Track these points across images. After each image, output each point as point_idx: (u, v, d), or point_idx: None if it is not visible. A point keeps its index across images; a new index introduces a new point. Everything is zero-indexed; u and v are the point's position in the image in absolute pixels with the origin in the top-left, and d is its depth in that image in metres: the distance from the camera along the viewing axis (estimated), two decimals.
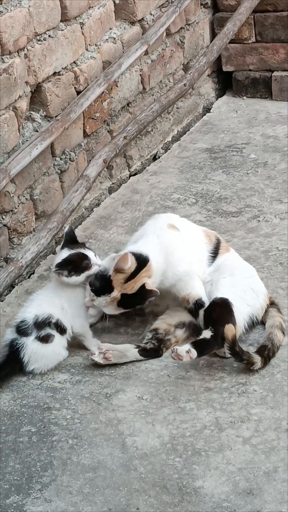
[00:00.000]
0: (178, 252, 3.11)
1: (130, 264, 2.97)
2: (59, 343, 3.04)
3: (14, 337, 3.01)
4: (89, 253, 3.07)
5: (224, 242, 3.35)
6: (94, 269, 3.04)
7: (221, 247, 3.28)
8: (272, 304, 3.21)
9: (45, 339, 3.01)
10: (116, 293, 2.99)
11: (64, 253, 3.08)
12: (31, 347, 2.99)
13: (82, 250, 3.08)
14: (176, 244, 3.12)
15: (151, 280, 3.02)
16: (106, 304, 3.01)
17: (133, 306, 3.05)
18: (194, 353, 2.87)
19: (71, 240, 3.13)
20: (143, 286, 2.99)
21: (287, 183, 4.23)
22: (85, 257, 3.06)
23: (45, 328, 3.01)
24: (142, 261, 3.01)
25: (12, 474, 2.61)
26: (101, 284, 3.00)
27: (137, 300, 3.01)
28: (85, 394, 2.93)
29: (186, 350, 2.87)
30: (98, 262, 3.07)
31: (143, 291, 2.99)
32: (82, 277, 3.05)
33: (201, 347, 2.91)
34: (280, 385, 2.90)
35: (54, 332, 3.02)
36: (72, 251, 3.08)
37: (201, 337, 2.95)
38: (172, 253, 3.09)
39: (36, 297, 3.12)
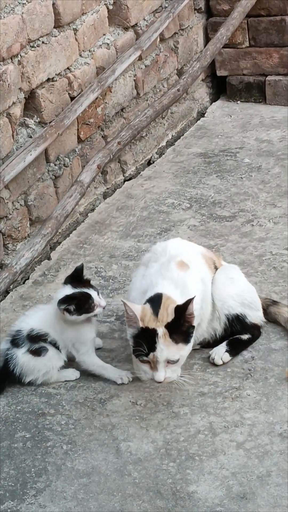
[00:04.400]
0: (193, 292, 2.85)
1: (141, 310, 2.75)
2: (53, 356, 2.97)
3: (8, 347, 2.99)
4: (93, 293, 2.94)
5: (218, 261, 3.17)
6: (97, 311, 2.94)
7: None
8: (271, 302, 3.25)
9: (37, 353, 2.96)
10: (161, 329, 2.70)
11: (67, 290, 2.96)
12: (22, 359, 2.96)
13: (86, 290, 2.95)
14: (190, 285, 2.89)
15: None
16: (167, 348, 2.69)
17: (186, 331, 2.74)
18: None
19: (77, 277, 2.99)
20: (176, 306, 2.74)
21: (281, 188, 4.24)
22: (89, 297, 2.94)
23: (38, 342, 2.96)
24: (155, 297, 2.80)
25: (6, 480, 2.62)
26: (145, 339, 2.71)
27: (181, 322, 2.73)
28: (80, 399, 2.94)
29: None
30: (102, 303, 2.95)
31: (179, 309, 2.73)
32: (82, 317, 2.93)
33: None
34: (273, 389, 2.91)
35: (48, 346, 2.96)
36: (76, 290, 2.95)
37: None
38: (188, 294, 2.82)
39: (38, 311, 3.06)
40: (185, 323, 2.73)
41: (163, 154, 4.74)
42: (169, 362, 2.71)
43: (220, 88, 5.34)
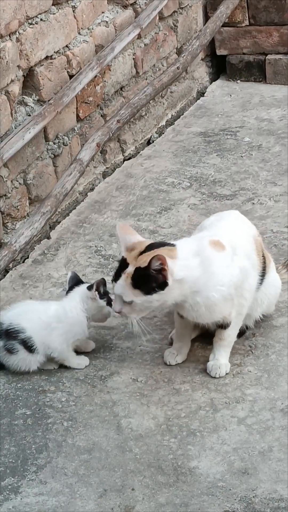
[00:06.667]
0: (219, 276, 2.77)
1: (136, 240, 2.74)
2: (25, 357, 2.92)
3: None
4: None
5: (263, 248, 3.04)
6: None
7: (267, 262, 3.01)
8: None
9: (10, 351, 2.91)
10: (130, 268, 2.69)
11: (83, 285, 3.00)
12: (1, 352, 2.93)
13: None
14: (217, 266, 2.77)
15: (174, 262, 2.69)
16: (124, 286, 2.69)
17: (148, 286, 2.68)
18: None
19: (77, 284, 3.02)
20: (153, 257, 2.66)
21: (281, 166, 4.22)
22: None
23: (11, 340, 2.90)
24: (165, 243, 2.78)
25: (7, 457, 2.61)
26: (119, 267, 2.75)
27: (150, 276, 2.66)
28: (80, 376, 2.93)
29: None
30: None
31: (151, 262, 2.65)
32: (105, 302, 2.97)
33: None
34: (274, 365, 2.90)
35: (19, 346, 2.90)
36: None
37: None
38: (209, 271, 2.76)
39: (23, 305, 3.02)
40: (155, 275, 2.66)
41: (163, 133, 4.71)
42: (123, 301, 2.71)
43: (220, 67, 5.31)
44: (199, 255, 2.75)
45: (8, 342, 2.90)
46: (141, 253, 2.71)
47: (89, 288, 2.97)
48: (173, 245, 2.78)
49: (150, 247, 2.73)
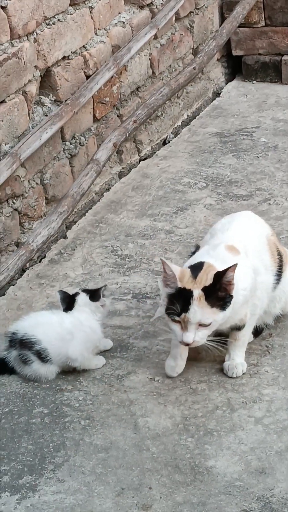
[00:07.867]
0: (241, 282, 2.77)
1: (179, 273, 2.70)
2: (39, 368, 2.91)
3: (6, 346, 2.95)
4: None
5: (280, 246, 3.03)
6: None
7: (284, 262, 3.00)
8: None
9: (24, 362, 2.91)
10: (197, 291, 2.66)
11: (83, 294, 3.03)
12: (15, 362, 2.93)
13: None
14: (239, 270, 2.73)
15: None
16: (202, 310, 2.65)
17: (222, 301, 2.68)
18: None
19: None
20: (216, 272, 2.68)
21: None
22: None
23: (25, 350, 2.89)
24: (198, 264, 2.75)
25: (25, 455, 2.63)
26: (180, 299, 2.67)
27: (220, 288, 2.67)
28: (97, 376, 2.94)
29: None
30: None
31: (218, 274, 2.67)
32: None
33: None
34: None
35: (33, 357, 2.90)
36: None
37: None
38: (235, 278, 2.72)
39: (37, 315, 3.01)
40: (223, 290, 2.67)
41: (179, 133, 4.72)
42: (200, 325, 2.67)
43: (236, 68, 5.31)
44: (224, 263, 2.73)
45: (22, 352, 2.90)
46: (192, 277, 2.68)
47: (92, 299, 2.99)
48: (203, 262, 2.74)
49: (193, 269, 2.71)
